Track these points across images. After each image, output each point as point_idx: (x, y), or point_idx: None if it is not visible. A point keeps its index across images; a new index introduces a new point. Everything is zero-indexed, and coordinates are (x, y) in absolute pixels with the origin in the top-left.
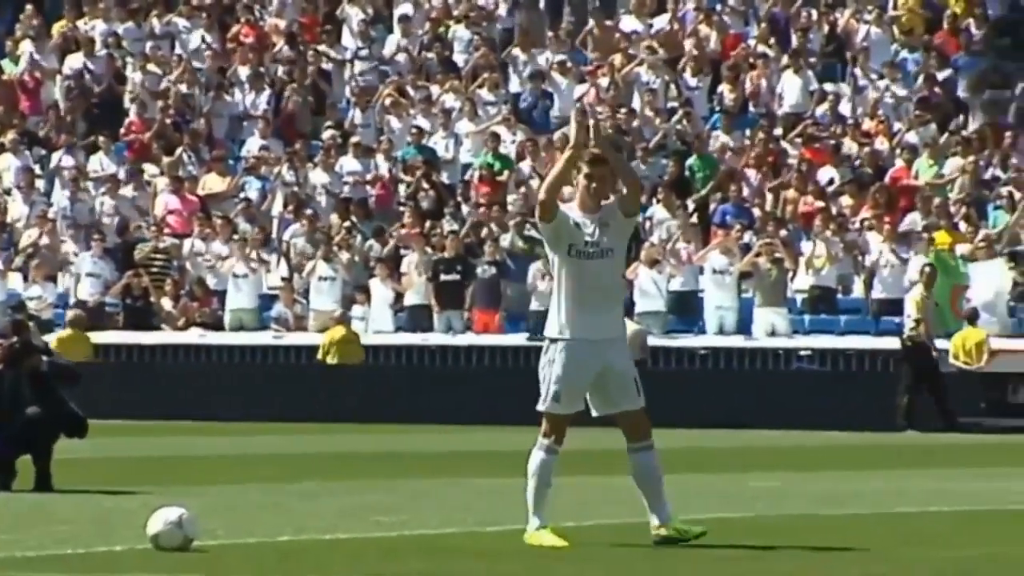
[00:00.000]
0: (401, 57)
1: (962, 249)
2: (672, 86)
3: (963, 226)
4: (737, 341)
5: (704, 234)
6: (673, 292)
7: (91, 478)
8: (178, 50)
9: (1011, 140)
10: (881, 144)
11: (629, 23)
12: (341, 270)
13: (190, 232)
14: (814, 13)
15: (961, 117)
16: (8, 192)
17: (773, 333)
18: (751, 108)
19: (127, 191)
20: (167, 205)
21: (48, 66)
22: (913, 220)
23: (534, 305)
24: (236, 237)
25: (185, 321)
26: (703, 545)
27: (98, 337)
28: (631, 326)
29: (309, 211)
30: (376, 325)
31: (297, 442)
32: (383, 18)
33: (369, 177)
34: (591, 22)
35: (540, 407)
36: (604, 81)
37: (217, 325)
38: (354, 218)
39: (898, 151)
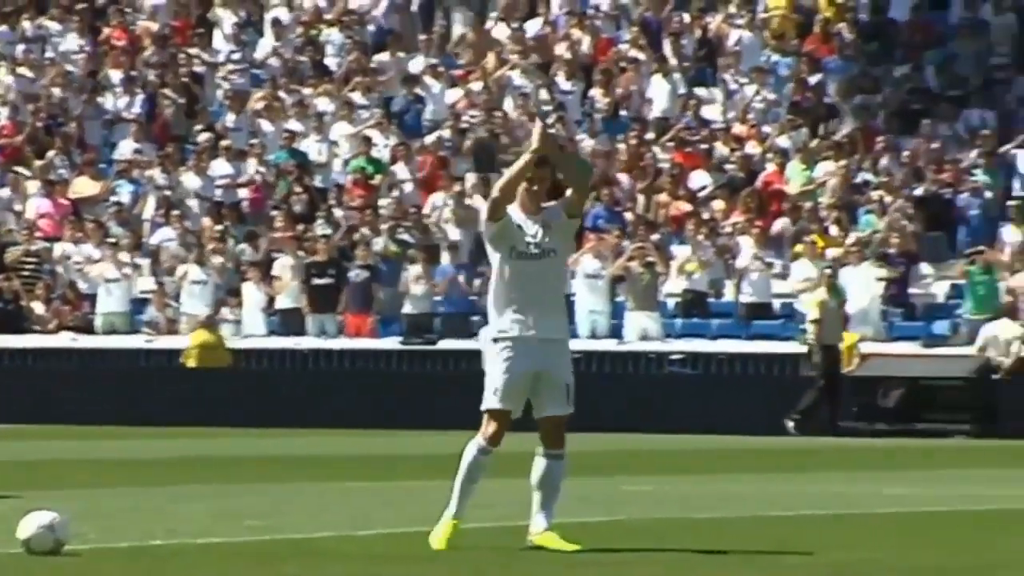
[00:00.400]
0: (273, 60)
1: (832, 253)
2: (544, 90)
3: (834, 230)
4: (609, 345)
5: (576, 238)
6: None
7: None
8: (50, 53)
9: (882, 144)
10: (752, 148)
11: (501, 27)
12: (213, 274)
13: (61, 235)
14: (686, 17)
15: (832, 121)
16: None
17: (645, 337)
18: (623, 112)
19: None
20: (39, 208)
21: None
22: (784, 224)
23: (407, 308)
24: (108, 240)
25: (56, 324)
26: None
27: None
28: None
29: (181, 214)
30: (248, 329)
31: (168, 446)
32: (255, 21)
33: (241, 180)
34: (462, 27)
35: (486, 405)
36: (476, 85)
37: (88, 329)
38: (226, 222)
39: (769, 155)
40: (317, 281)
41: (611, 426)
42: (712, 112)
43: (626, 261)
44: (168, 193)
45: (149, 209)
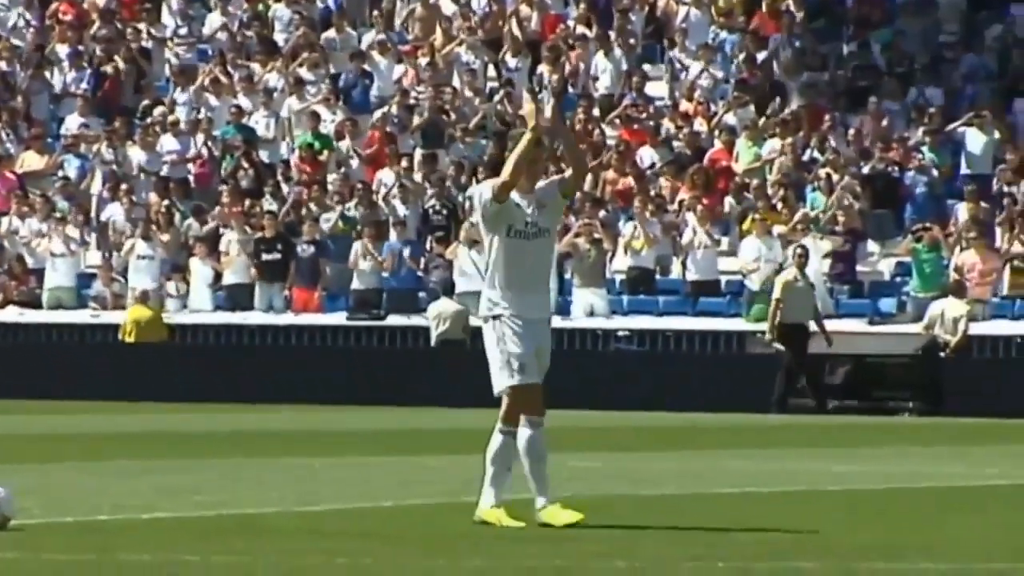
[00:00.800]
0: (221, 36)
1: (779, 230)
2: (492, 66)
3: (781, 208)
4: (556, 321)
5: None
6: None
7: None
8: None
9: (829, 122)
10: (700, 126)
11: (448, 3)
12: (160, 249)
13: (8, 210)
14: None
15: (779, 99)
16: None
17: (592, 314)
18: (570, 89)
19: None
20: None
21: None
22: (731, 202)
23: (354, 284)
24: (55, 215)
25: (3, 299)
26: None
27: None
28: (453, 306)
29: (129, 189)
30: (195, 304)
31: (115, 421)
32: None
33: (189, 156)
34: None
35: (509, 382)
36: (423, 61)
37: (35, 303)
38: (173, 197)
39: (716, 133)
40: (264, 257)
41: (558, 402)
42: (659, 89)
43: (573, 238)
44: (115, 168)
45: (96, 184)
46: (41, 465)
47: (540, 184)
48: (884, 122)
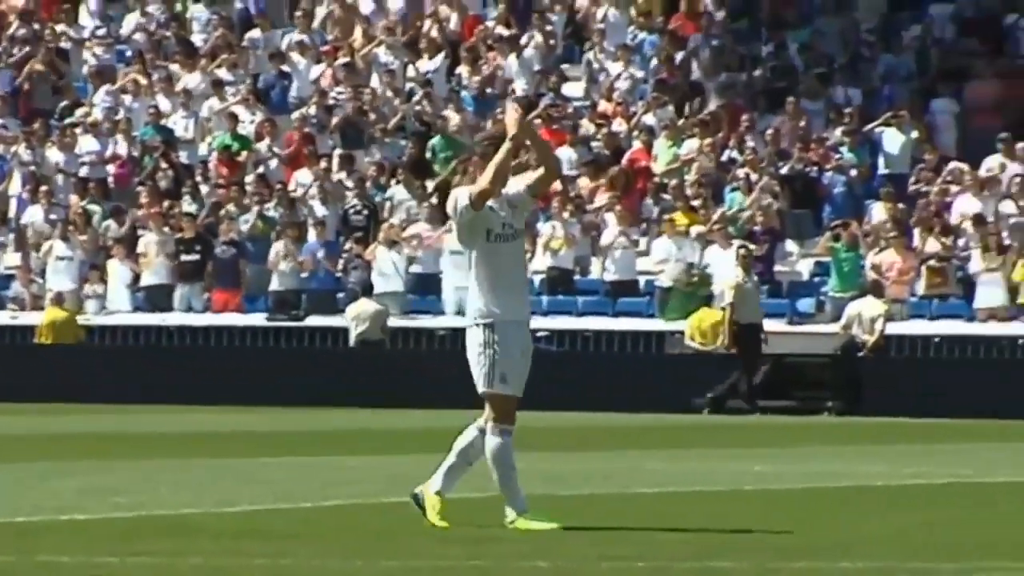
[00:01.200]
0: (139, 37)
1: (698, 231)
2: (411, 67)
3: (700, 208)
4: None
5: (443, 215)
6: (413, 273)
7: None
8: None
9: (747, 122)
10: (619, 126)
11: (367, 3)
12: (79, 250)
13: None
14: None
15: (698, 100)
16: None
17: None
18: (489, 89)
19: None
20: None
21: None
22: (650, 202)
23: (274, 285)
24: None
25: None
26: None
27: None
28: (372, 306)
29: (48, 191)
30: (114, 305)
31: (34, 422)
32: None
33: (107, 157)
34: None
35: (488, 388)
36: (342, 61)
37: None
38: (92, 198)
39: (635, 133)
40: (183, 258)
41: (479, 403)
42: (578, 89)
43: None
44: (33, 169)
45: (15, 185)
46: None
47: (508, 185)
48: (802, 122)
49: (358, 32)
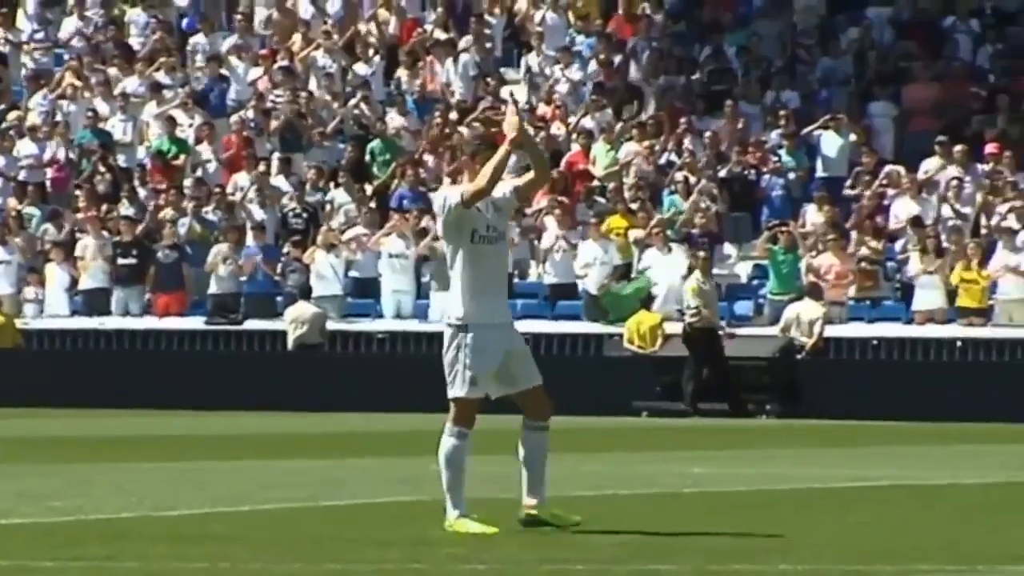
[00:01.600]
0: (77, 40)
1: (636, 234)
2: (350, 70)
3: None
4: (414, 325)
5: (382, 218)
6: (351, 277)
7: None
8: None
9: (685, 125)
10: (557, 129)
11: (305, 7)
12: (16, 254)
13: None
14: None
15: (636, 103)
16: None
17: None
18: (428, 92)
19: None
20: None
21: None
22: (589, 205)
23: (212, 289)
24: None
25: None
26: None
27: None
28: (310, 309)
29: None
30: (52, 309)
31: None
32: (59, 1)
33: (46, 160)
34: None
35: (457, 393)
36: (280, 65)
37: None
38: (30, 201)
39: (574, 136)
40: (122, 261)
41: (417, 406)
42: (517, 93)
43: (431, 241)
44: None
45: None
46: None
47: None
48: (740, 125)
49: (297, 36)
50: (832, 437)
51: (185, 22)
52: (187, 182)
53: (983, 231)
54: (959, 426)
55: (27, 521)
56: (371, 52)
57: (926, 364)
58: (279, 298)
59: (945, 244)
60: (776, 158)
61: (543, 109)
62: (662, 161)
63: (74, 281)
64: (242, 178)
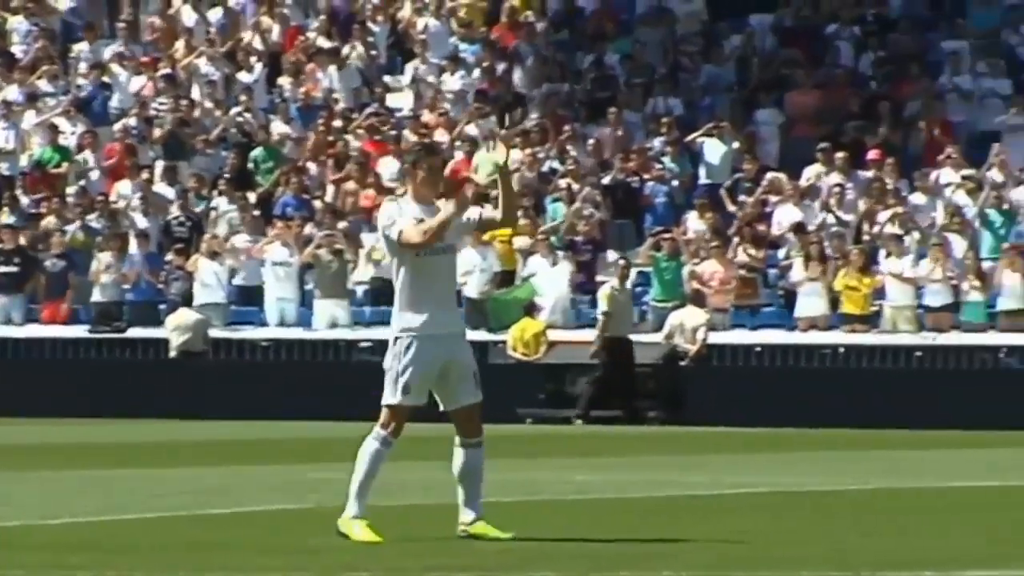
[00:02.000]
0: None
1: (520, 242)
2: (233, 78)
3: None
4: (298, 333)
5: (266, 226)
6: (235, 284)
7: None
8: None
9: (569, 132)
10: (441, 136)
11: (188, 14)
12: None
13: None
14: (375, 6)
15: (520, 110)
16: None
17: (334, 325)
18: (312, 100)
19: None
20: None
21: None
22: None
23: (96, 297)
24: None
25: None
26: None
27: None
28: (193, 316)
29: None
30: None
31: None
32: None
33: None
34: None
35: (390, 400)
36: (163, 73)
37: None
38: None
39: (458, 143)
40: (4, 269)
41: (299, 414)
42: (401, 100)
43: (315, 249)
44: None
45: None
46: None
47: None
48: (623, 132)
49: (180, 43)
50: (716, 444)
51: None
52: (70, 190)
53: (865, 238)
54: (842, 432)
55: None
56: (254, 59)
57: (809, 371)
58: (162, 306)
59: (828, 251)
60: (659, 165)
61: (427, 116)
62: (545, 168)
63: None
64: (125, 186)
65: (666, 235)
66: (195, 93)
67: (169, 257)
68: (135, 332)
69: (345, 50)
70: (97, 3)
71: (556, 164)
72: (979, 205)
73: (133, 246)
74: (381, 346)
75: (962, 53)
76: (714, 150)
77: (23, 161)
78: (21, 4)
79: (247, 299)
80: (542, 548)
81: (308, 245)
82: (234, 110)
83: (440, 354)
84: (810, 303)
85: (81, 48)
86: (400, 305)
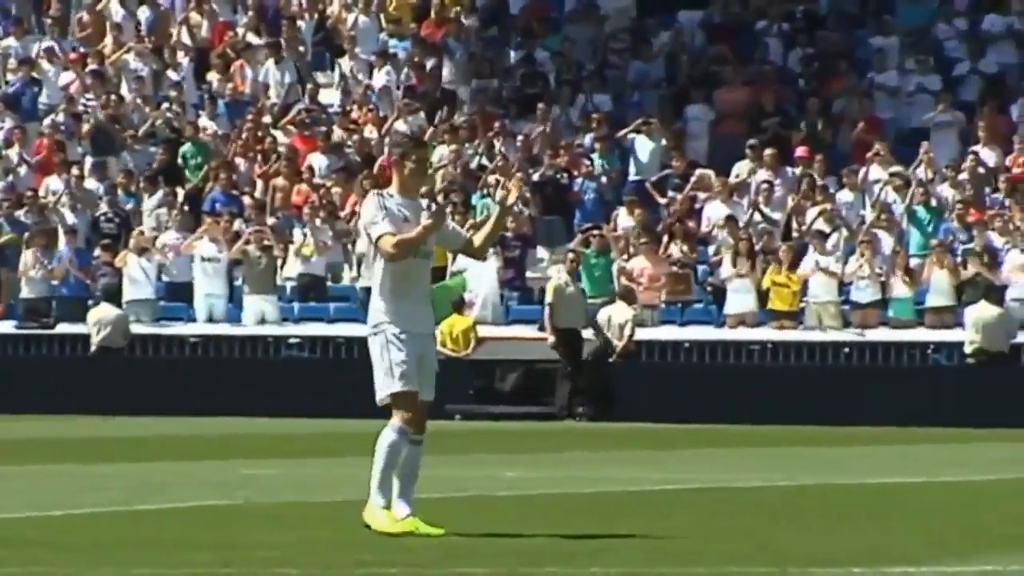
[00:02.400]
0: None
1: None
2: (161, 74)
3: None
4: (227, 329)
5: (195, 222)
6: (164, 280)
7: None
8: None
9: (498, 129)
10: (370, 132)
11: (117, 10)
12: None
13: None
14: (303, 2)
15: (448, 107)
16: None
17: (263, 321)
18: (241, 96)
19: None
20: None
21: None
22: None
23: (24, 292)
24: None
25: None
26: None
27: None
28: (114, 312)
29: None
30: None
31: None
32: None
33: None
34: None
35: (390, 389)
36: (92, 68)
37: None
38: None
39: (387, 140)
40: None
41: (230, 410)
42: (330, 96)
43: (243, 245)
44: None
45: None
46: None
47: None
48: (552, 128)
49: (108, 39)
50: (645, 440)
51: None
52: None
53: (794, 234)
54: (770, 429)
55: None
56: (182, 55)
57: (737, 367)
58: (91, 302)
59: (756, 247)
60: (589, 162)
61: (356, 112)
62: (473, 165)
63: None
64: (54, 182)
65: (596, 231)
66: (124, 89)
67: (97, 253)
68: (63, 328)
69: (274, 46)
70: None
71: (484, 160)
72: (907, 202)
73: (62, 242)
74: (310, 342)
75: (890, 50)
76: (643, 147)
77: None
78: None
79: (176, 295)
80: (472, 544)
81: (237, 241)
82: (163, 106)
83: (416, 348)
84: (739, 299)
85: (9, 44)
86: (382, 298)
